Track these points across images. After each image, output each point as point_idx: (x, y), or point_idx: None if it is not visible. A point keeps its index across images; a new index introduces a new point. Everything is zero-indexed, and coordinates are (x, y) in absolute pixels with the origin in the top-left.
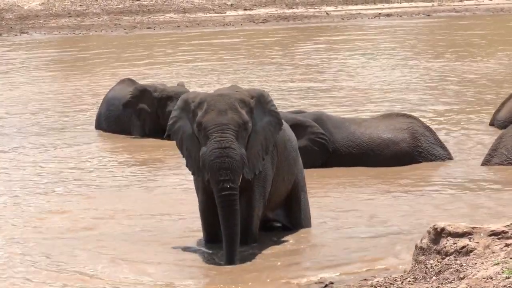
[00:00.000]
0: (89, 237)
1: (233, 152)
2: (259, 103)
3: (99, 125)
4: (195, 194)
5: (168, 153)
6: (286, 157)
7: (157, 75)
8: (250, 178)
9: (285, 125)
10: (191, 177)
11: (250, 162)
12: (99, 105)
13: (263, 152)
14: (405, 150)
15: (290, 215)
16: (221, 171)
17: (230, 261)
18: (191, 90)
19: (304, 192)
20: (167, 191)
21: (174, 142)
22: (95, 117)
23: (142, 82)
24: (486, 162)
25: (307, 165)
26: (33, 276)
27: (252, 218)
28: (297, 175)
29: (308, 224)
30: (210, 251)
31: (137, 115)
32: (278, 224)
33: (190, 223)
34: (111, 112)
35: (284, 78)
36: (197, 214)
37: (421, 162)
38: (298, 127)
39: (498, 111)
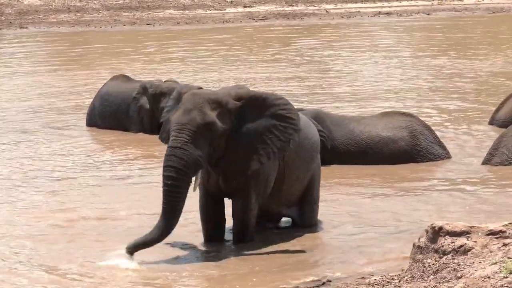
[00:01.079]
0: (86, 233)
1: (181, 151)
2: (255, 106)
3: (92, 121)
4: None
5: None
6: (302, 156)
7: (156, 71)
8: (236, 179)
9: (304, 123)
10: None
11: (233, 164)
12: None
13: (263, 157)
14: (404, 149)
15: (303, 212)
16: (166, 168)
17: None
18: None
19: (317, 190)
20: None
21: None
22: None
23: (139, 78)
24: (487, 162)
25: None
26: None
27: (248, 218)
28: (314, 172)
29: (316, 221)
30: (207, 249)
31: (137, 111)
32: (282, 225)
33: (185, 221)
34: (106, 107)
35: (284, 76)
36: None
37: (419, 160)
38: None
39: (497, 110)
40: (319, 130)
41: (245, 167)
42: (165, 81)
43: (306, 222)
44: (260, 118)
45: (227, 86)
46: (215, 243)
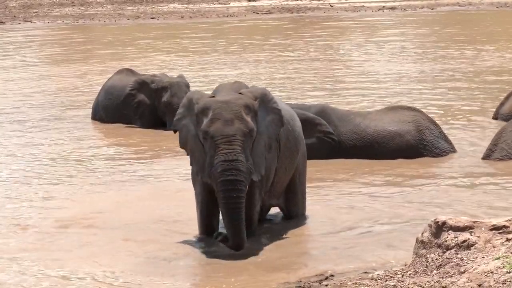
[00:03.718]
0: (87, 229)
1: (240, 164)
2: (262, 103)
3: (96, 115)
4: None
5: (167, 144)
6: (288, 148)
7: (159, 65)
8: (257, 179)
9: (289, 116)
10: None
11: (256, 164)
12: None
13: (266, 150)
14: (410, 143)
15: (288, 201)
16: (228, 184)
17: (237, 247)
18: (195, 81)
19: (302, 179)
20: (167, 182)
21: (171, 133)
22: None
23: (142, 72)
24: (487, 157)
25: (312, 159)
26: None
27: (252, 213)
28: (299, 163)
29: (303, 210)
30: (204, 245)
31: (136, 108)
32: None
33: (186, 215)
34: (110, 101)
35: (288, 70)
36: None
37: (425, 155)
38: (307, 123)
39: (501, 104)
40: (328, 132)
41: (259, 163)
42: (152, 74)
43: (291, 210)
44: (266, 115)
45: (224, 83)
46: (211, 238)
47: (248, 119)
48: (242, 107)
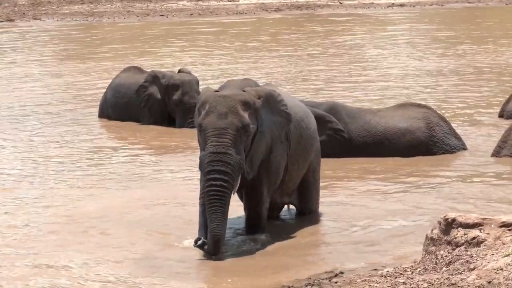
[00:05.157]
0: (93, 225)
1: (228, 157)
2: (268, 103)
3: (104, 113)
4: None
5: (177, 140)
6: (302, 145)
7: (168, 63)
8: (249, 178)
9: (303, 113)
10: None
11: (254, 162)
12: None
13: (267, 150)
14: (421, 140)
15: (301, 197)
16: (213, 173)
17: (214, 253)
18: (204, 78)
19: (316, 175)
20: (177, 180)
21: (180, 130)
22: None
23: (150, 69)
24: (496, 154)
25: (322, 157)
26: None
27: (261, 211)
28: (312, 161)
29: (317, 207)
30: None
31: (146, 101)
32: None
33: (190, 214)
34: (118, 99)
35: (299, 67)
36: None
37: (435, 152)
38: (317, 120)
39: (507, 102)
40: (339, 130)
41: (259, 161)
42: (178, 71)
43: (304, 207)
44: (271, 115)
45: (234, 79)
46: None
47: (245, 115)
48: (239, 102)
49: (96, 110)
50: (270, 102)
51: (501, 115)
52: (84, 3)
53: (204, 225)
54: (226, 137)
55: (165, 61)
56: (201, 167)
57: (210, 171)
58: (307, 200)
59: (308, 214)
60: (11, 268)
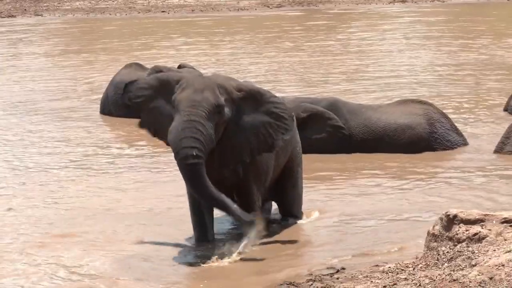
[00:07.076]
0: (88, 225)
1: (200, 125)
2: (252, 100)
3: (105, 110)
4: None
5: None
6: (282, 146)
7: (170, 59)
8: (227, 168)
9: None
10: None
11: (231, 156)
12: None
13: (255, 151)
14: (421, 136)
15: (283, 192)
16: (185, 139)
17: (247, 221)
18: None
19: (299, 169)
20: (179, 176)
21: None
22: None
23: (152, 66)
24: (499, 150)
25: (322, 153)
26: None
27: (253, 210)
28: (292, 153)
29: (299, 202)
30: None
31: None
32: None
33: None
34: (119, 96)
35: (301, 64)
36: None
37: (436, 148)
38: (317, 117)
39: (511, 97)
40: (339, 127)
41: (237, 157)
42: (178, 66)
43: (283, 199)
44: (256, 113)
45: (220, 74)
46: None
47: (220, 96)
48: (217, 84)
49: (97, 107)
50: (257, 99)
51: (505, 110)
52: None
53: (200, 224)
54: (200, 109)
55: (167, 57)
56: (170, 136)
57: (183, 138)
58: (290, 195)
59: (289, 210)
60: None
